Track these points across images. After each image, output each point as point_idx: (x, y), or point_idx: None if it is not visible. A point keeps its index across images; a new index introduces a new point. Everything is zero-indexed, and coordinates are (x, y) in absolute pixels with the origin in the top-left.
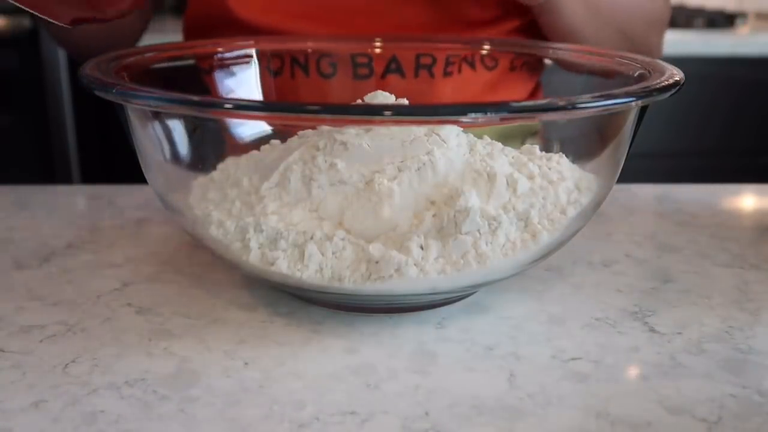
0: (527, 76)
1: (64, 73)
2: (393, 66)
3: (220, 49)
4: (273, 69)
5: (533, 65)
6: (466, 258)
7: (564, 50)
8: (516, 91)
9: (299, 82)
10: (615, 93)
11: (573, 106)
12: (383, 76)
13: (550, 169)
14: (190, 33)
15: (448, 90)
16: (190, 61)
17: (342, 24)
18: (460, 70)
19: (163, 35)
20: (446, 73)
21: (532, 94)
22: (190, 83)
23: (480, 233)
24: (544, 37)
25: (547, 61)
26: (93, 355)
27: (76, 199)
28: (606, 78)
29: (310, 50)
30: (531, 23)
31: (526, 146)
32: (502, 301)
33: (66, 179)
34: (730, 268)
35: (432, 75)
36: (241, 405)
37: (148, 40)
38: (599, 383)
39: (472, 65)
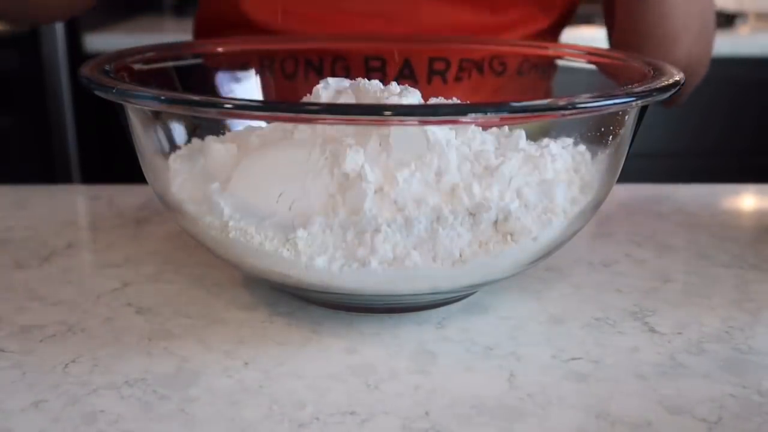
0: (537, 80)
1: (64, 73)
2: (406, 71)
3: (228, 49)
4: (288, 72)
5: (543, 69)
6: (466, 257)
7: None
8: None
9: (312, 84)
10: (615, 93)
11: (573, 106)
12: (396, 80)
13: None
14: (200, 34)
15: (458, 95)
16: (193, 61)
17: (358, 28)
18: (470, 76)
19: (163, 35)
20: (457, 78)
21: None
22: (193, 83)
23: (480, 233)
24: (623, 31)
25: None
26: (93, 355)
27: (76, 199)
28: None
29: (324, 53)
30: (554, 27)
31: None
32: (502, 301)
33: (66, 179)
34: (730, 268)
35: (445, 81)
36: (241, 405)
37: (149, 40)
38: (599, 383)
39: (480, 70)
